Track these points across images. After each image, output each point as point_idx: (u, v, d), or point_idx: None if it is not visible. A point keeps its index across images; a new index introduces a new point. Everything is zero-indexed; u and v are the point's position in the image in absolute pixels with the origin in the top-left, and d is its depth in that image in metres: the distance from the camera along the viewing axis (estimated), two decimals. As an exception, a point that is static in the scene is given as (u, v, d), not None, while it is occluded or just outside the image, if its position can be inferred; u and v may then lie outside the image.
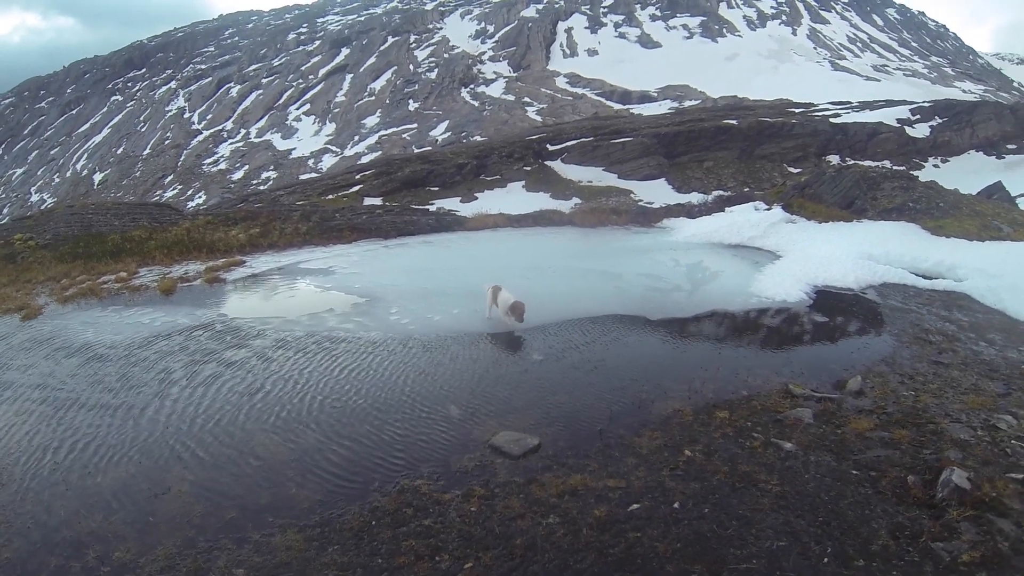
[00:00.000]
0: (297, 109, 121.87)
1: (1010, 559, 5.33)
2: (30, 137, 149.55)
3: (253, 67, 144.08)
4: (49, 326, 13.36)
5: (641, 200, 34.72)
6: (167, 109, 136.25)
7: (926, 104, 50.73)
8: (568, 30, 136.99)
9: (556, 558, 5.62)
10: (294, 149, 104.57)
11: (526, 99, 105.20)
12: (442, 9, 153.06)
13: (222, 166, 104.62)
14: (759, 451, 7.20)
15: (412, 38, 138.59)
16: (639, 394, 8.85)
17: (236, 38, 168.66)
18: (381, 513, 6.40)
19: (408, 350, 10.99)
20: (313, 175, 76.86)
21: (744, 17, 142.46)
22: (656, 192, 37.28)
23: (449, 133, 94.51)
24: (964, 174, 37.01)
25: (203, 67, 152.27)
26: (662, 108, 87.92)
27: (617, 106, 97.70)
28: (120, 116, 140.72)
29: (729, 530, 5.86)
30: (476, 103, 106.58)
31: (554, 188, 37.47)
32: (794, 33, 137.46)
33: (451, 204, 32.55)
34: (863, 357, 10.38)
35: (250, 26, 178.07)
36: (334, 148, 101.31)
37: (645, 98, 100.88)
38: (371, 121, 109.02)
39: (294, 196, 38.82)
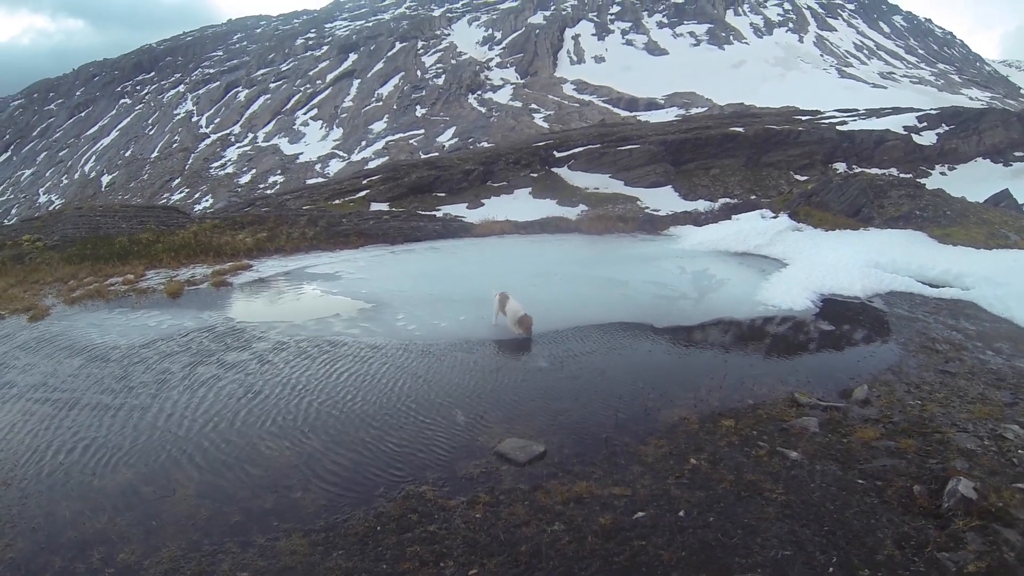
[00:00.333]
0: (305, 114, 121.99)
1: (1016, 569, 5.31)
2: (39, 139, 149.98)
3: (261, 72, 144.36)
4: (56, 327, 13.39)
5: (647, 207, 34.65)
6: (175, 112, 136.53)
7: (933, 111, 50.57)
8: (575, 37, 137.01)
9: (561, 565, 5.62)
10: (301, 154, 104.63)
11: (533, 105, 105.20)
12: (450, 15, 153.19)
13: (229, 170, 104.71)
14: (765, 460, 7.19)
15: (420, 44, 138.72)
16: (645, 402, 8.84)
17: (244, 43, 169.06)
18: (386, 519, 6.41)
19: (414, 356, 11.01)
20: (320, 180, 76.97)
21: (751, 24, 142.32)
22: (662, 199, 37.20)
23: (456, 139, 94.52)
24: (971, 182, 36.88)
25: (211, 71, 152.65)
26: (669, 115, 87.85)
27: (624, 113, 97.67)
28: (128, 119, 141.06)
29: (734, 539, 5.86)
30: (483, 109, 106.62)
31: (561, 195, 37.41)
32: (801, 40, 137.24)
33: (458, 210, 32.53)
34: (869, 366, 10.37)
35: (258, 31, 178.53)
36: (341, 153, 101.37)
37: (652, 105, 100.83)
38: (378, 126, 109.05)
39: (301, 201, 38.83)
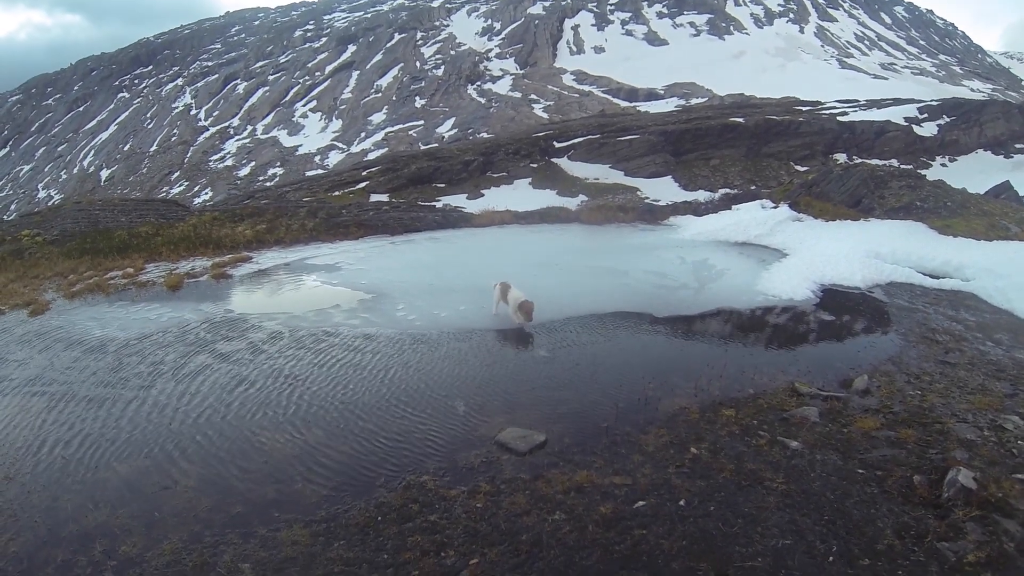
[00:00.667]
0: (304, 106, 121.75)
1: (1016, 559, 5.32)
2: (37, 134, 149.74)
3: (259, 64, 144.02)
4: (56, 321, 13.41)
5: (647, 198, 34.59)
6: (174, 106, 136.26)
7: (934, 103, 50.44)
8: (575, 27, 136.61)
9: (562, 554, 5.63)
10: (300, 146, 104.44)
11: (533, 96, 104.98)
12: (449, 6, 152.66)
13: (228, 162, 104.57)
14: (765, 449, 7.20)
15: (419, 35, 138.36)
16: (645, 391, 8.84)
17: (243, 35, 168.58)
18: (387, 509, 6.42)
19: (414, 346, 11.02)
20: (319, 171, 76.85)
21: (751, 15, 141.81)
22: (662, 190, 37.14)
23: (456, 130, 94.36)
24: (972, 173, 36.80)
25: (210, 64, 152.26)
26: (669, 106, 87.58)
27: (624, 103, 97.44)
28: (127, 113, 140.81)
29: (735, 528, 5.87)
30: (483, 100, 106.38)
31: (561, 185, 37.36)
32: (801, 31, 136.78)
33: (457, 201, 32.46)
34: (869, 356, 10.37)
35: (256, 23, 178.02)
36: (340, 145, 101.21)
37: (652, 96, 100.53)
38: (377, 118, 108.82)
39: (300, 192, 38.79)
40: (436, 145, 74.10)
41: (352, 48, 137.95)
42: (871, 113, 48.65)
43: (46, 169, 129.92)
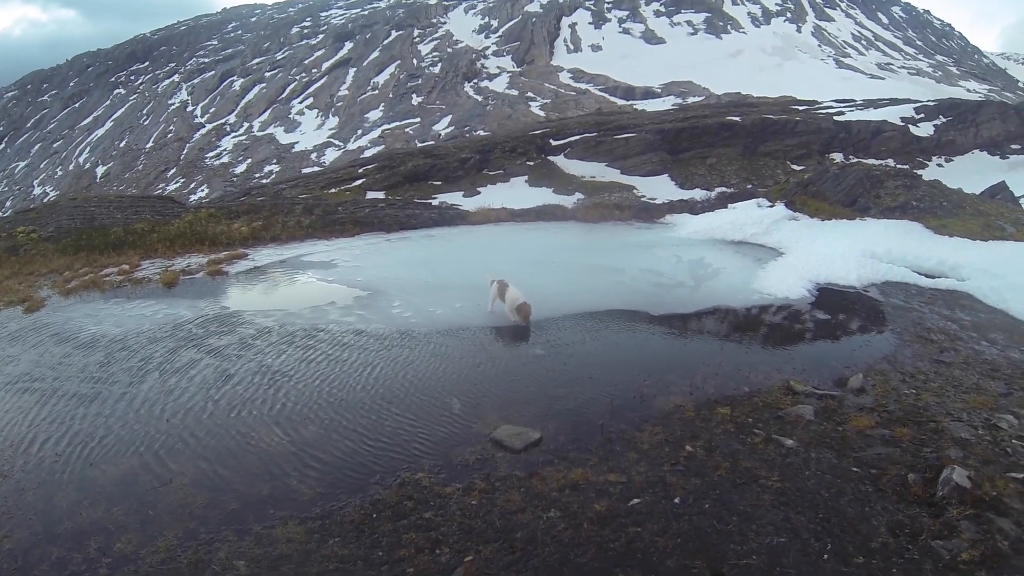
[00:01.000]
0: (300, 103, 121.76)
1: (1010, 558, 5.33)
2: (33, 130, 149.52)
3: (256, 61, 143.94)
4: (51, 318, 13.38)
5: (644, 196, 34.64)
6: (170, 102, 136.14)
7: (930, 103, 50.50)
8: (572, 25, 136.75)
9: (556, 552, 5.63)
10: (297, 143, 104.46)
11: (529, 94, 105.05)
12: (446, 3, 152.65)
13: (225, 159, 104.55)
14: (760, 447, 7.21)
15: (416, 32, 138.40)
16: (641, 389, 8.85)
17: (239, 32, 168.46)
18: (382, 506, 6.42)
19: (409, 343, 11.02)
20: (316, 169, 76.84)
21: (749, 14, 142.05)
22: (659, 188, 37.20)
23: (452, 127, 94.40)
24: (968, 173, 36.85)
25: (206, 60, 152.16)
26: (666, 104, 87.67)
27: (621, 102, 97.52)
28: (123, 109, 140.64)
29: (729, 526, 5.87)
30: (479, 98, 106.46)
31: (557, 183, 37.40)
32: (799, 30, 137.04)
33: (454, 198, 32.50)
34: (865, 355, 10.37)
35: (253, 20, 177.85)
36: (337, 142, 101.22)
37: (649, 94, 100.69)
38: (374, 115, 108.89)
39: (297, 190, 38.78)
40: (433, 143, 74.04)
41: (349, 45, 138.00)
42: (868, 113, 48.74)
43: (42, 166, 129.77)
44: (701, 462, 6.95)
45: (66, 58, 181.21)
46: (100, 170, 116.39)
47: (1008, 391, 8.65)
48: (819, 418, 7.89)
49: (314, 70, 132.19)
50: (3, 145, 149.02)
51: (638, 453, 7.17)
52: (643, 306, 12.86)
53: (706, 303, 13.28)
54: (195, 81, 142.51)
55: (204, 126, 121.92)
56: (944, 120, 46.28)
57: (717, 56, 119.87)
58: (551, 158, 42.08)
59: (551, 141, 44.30)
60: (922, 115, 46.97)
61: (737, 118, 46.07)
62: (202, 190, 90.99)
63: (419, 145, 73.51)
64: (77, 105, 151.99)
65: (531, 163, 40.95)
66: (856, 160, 38.18)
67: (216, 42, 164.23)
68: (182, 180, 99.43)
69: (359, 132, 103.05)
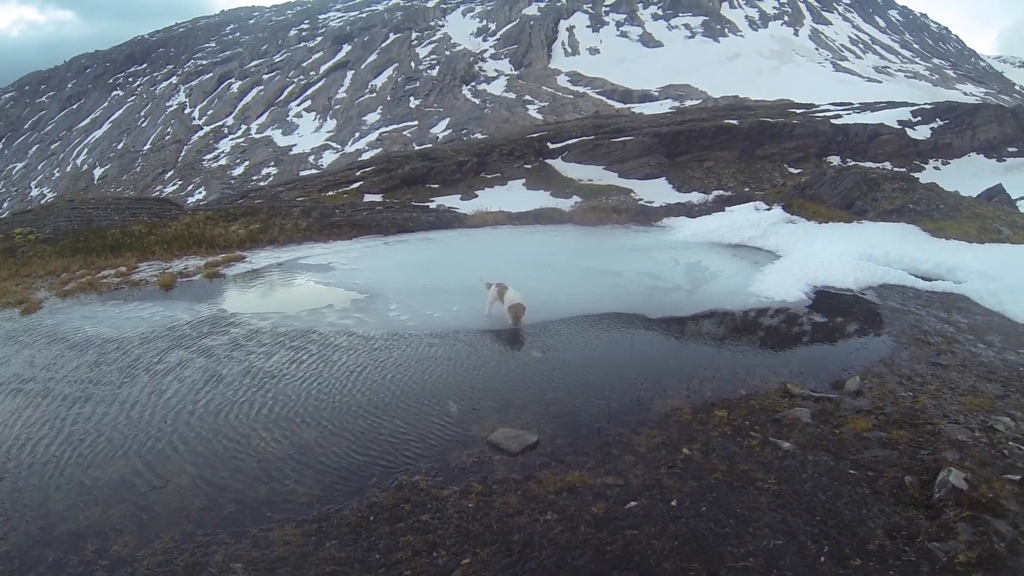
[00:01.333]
0: (298, 105, 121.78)
1: (1006, 560, 5.34)
2: (30, 132, 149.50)
3: (254, 63, 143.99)
4: (48, 320, 13.38)
5: (641, 199, 34.69)
6: (168, 104, 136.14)
7: (927, 106, 50.67)
8: (570, 28, 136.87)
9: (554, 555, 5.63)
10: (295, 145, 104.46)
11: (527, 97, 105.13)
12: (444, 6, 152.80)
13: (222, 162, 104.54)
14: (757, 450, 7.21)
15: (414, 35, 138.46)
16: (638, 392, 8.85)
17: (237, 34, 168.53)
18: (379, 509, 6.41)
19: (407, 346, 11.01)
20: (313, 171, 76.81)
21: (746, 17, 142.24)
22: (656, 191, 37.26)
23: (450, 130, 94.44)
24: (964, 176, 36.97)
25: (204, 63, 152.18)
26: (663, 107, 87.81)
27: (618, 105, 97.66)
28: (121, 111, 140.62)
29: (726, 528, 5.88)
30: (477, 101, 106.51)
31: (554, 186, 37.44)
32: (796, 34, 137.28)
33: (451, 201, 32.52)
34: (862, 358, 10.39)
35: (251, 22, 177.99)
36: (335, 145, 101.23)
37: (646, 97, 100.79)
38: (372, 118, 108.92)
39: (294, 192, 38.79)
40: (430, 146, 74.07)
41: (347, 48, 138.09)
42: (865, 116, 48.90)
43: (39, 167, 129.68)
44: (698, 465, 6.95)
45: (64, 59, 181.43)
46: (98, 172, 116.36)
47: (1005, 393, 8.67)
48: (816, 421, 7.89)
49: (312, 72, 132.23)
50: (0, 146, 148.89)
51: (635, 456, 7.17)
52: (640, 309, 12.86)
53: (703, 306, 13.28)
54: (193, 83, 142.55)
55: (202, 128, 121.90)
56: (941, 123, 46.43)
57: (714, 59, 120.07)
58: (549, 161, 42.13)
59: (549, 144, 44.36)
60: (919, 118, 47.13)
61: (734, 121, 46.16)
62: (199, 192, 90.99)
63: (417, 148, 73.59)
64: (75, 107, 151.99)
65: (528, 166, 41.00)
66: (853, 163, 38.21)
67: (214, 44, 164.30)
68: (180, 182, 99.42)
69: (357, 135, 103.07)
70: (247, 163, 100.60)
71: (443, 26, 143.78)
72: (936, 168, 42.19)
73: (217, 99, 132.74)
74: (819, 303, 13.68)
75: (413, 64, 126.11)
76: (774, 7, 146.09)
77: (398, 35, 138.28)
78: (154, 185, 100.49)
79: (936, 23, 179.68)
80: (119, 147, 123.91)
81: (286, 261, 18.13)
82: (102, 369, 10.47)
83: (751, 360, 10.36)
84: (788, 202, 23.45)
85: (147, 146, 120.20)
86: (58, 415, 8.86)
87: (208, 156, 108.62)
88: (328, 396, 9.07)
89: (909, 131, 44.98)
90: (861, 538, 5.70)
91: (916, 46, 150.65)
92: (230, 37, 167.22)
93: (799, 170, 40.81)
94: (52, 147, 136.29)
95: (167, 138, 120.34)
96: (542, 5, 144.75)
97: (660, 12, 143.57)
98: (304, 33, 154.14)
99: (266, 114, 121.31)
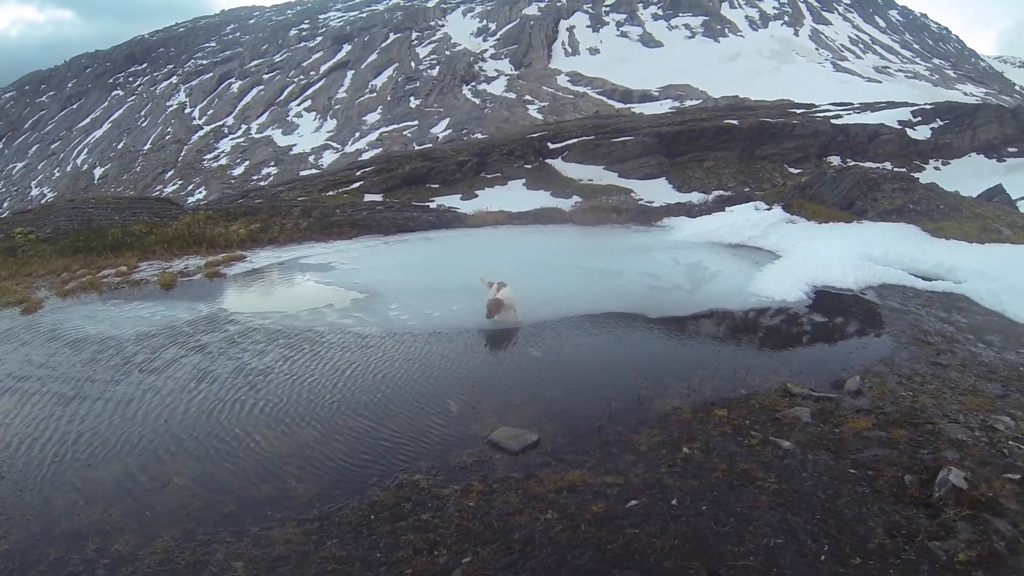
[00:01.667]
0: (298, 105, 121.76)
1: (1006, 558, 5.35)
2: (30, 131, 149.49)
3: (254, 63, 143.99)
4: (49, 320, 13.37)
5: (641, 199, 34.69)
6: (168, 104, 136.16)
7: (927, 106, 50.66)
8: (570, 29, 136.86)
9: (554, 553, 5.64)
10: (295, 145, 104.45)
11: (527, 97, 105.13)
12: (444, 6, 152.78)
13: (223, 161, 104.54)
14: (757, 449, 7.22)
15: (414, 35, 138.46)
16: (638, 392, 8.85)
17: (237, 34, 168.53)
18: (380, 507, 6.42)
19: (407, 346, 11.02)
20: (314, 171, 76.80)
21: (746, 17, 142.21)
22: (656, 191, 37.26)
23: (450, 130, 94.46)
24: (965, 176, 36.96)
25: (204, 62, 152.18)
26: (663, 107, 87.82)
27: (618, 105, 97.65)
28: (121, 111, 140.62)
29: (727, 527, 5.88)
30: (477, 101, 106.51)
31: (555, 186, 37.45)
32: (796, 34, 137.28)
33: (451, 201, 32.51)
34: (862, 357, 10.39)
35: (252, 22, 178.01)
36: (335, 144, 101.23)
37: (646, 97, 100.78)
38: (372, 118, 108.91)
39: (294, 192, 38.79)
40: (430, 145, 74.08)
41: (347, 48, 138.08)
42: (865, 116, 48.89)
43: (39, 167, 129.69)
44: (698, 464, 6.96)
45: (64, 59, 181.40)
46: (98, 171, 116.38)
47: (1005, 393, 8.68)
48: (816, 420, 7.90)
49: (312, 72, 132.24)
50: (1, 146, 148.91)
51: (635, 455, 7.18)
52: (641, 309, 12.86)
53: (703, 306, 13.28)
54: (193, 83, 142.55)
55: (202, 128, 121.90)
56: (941, 123, 46.43)
57: (715, 59, 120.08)
58: (549, 161, 42.13)
59: (549, 144, 44.36)
60: (919, 118, 47.13)
61: (735, 121, 46.17)
62: (200, 192, 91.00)
63: (417, 148, 73.59)
64: (75, 106, 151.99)
65: (529, 166, 41.00)
66: (853, 163, 38.20)
67: (214, 44, 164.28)
68: (180, 182, 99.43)
69: (357, 135, 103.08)
70: (247, 163, 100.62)
71: (443, 26, 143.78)
72: (936, 168, 42.18)
73: (217, 99, 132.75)
74: (819, 303, 13.68)
75: (413, 64, 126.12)
76: (774, 7, 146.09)
77: (398, 35, 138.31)
78: (154, 185, 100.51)
79: (936, 23, 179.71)
80: (119, 147, 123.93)
81: (286, 260, 18.14)
82: (102, 368, 10.47)
83: (751, 360, 10.36)
84: (788, 202, 23.45)
85: (147, 146, 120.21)
86: (58, 414, 8.87)
87: (208, 156, 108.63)
88: (328, 395, 9.08)
89: (909, 131, 44.98)
90: (861, 537, 5.71)
91: (916, 46, 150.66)
92: (230, 37, 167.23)
93: (799, 170, 40.81)
94: (52, 147, 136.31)
95: (167, 138, 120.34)
96: (542, 5, 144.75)
97: (660, 12, 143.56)
98: (304, 33, 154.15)
99: (266, 114, 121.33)
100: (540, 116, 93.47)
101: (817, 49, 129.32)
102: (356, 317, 12.60)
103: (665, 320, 12.35)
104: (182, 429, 8.25)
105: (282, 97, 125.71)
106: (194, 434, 8.11)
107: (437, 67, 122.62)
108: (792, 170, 41.40)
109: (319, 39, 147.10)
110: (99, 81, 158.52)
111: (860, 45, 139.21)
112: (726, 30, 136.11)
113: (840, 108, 55.41)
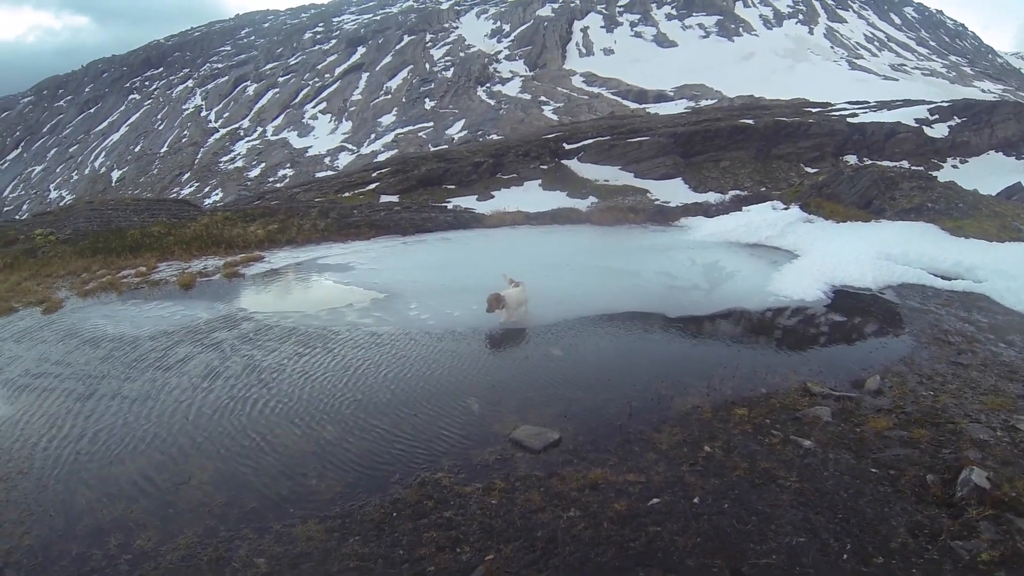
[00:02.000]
0: (313, 107, 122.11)
1: (1030, 557, 5.33)
2: (49, 135, 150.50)
3: (269, 66, 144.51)
4: (69, 319, 13.48)
5: (657, 199, 34.62)
6: (184, 107, 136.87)
7: (944, 104, 50.27)
8: (584, 29, 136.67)
9: (577, 551, 5.65)
10: (310, 147, 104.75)
11: (542, 98, 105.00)
12: (458, 8, 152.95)
13: (239, 164, 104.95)
14: (778, 448, 7.22)
15: (428, 37, 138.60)
16: (658, 390, 8.87)
17: (252, 37, 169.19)
18: (402, 505, 6.46)
19: (427, 345, 11.07)
20: (329, 173, 77.05)
21: (760, 16, 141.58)
22: (672, 191, 37.19)
23: (465, 132, 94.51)
24: (983, 175, 36.67)
25: (220, 66, 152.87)
26: (678, 107, 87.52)
27: (633, 105, 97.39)
28: (138, 114, 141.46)
29: (749, 525, 5.89)
30: (492, 102, 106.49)
31: (571, 187, 37.43)
32: (811, 32, 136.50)
33: (467, 202, 32.54)
34: (881, 357, 10.36)
35: (266, 25, 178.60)
36: (350, 146, 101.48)
37: (661, 97, 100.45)
38: (387, 119, 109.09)
39: (310, 194, 38.92)
40: (446, 147, 74.19)
41: (361, 50, 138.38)
42: (881, 114, 48.57)
43: (58, 170, 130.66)
44: (719, 462, 6.96)
45: (81, 64, 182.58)
46: (115, 174, 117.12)
47: (1027, 392, 8.64)
48: (836, 419, 7.89)
49: (327, 75, 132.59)
50: (20, 150, 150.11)
51: (657, 453, 7.19)
52: (659, 308, 12.86)
53: (722, 305, 13.27)
54: (209, 86, 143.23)
55: (218, 131, 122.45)
56: (958, 121, 46.07)
57: (729, 59, 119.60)
58: (564, 162, 42.10)
59: (564, 145, 44.32)
60: (936, 116, 46.78)
61: (750, 121, 46.01)
62: (216, 194, 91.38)
63: (432, 149, 73.71)
64: (92, 110, 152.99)
65: (544, 167, 40.98)
66: (870, 162, 38.01)
67: (230, 48, 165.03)
68: (196, 184, 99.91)
69: (372, 136, 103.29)
70: (263, 165, 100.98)
71: (457, 28, 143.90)
72: (954, 166, 41.89)
73: (233, 102, 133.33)
74: (838, 302, 13.65)
75: (428, 66, 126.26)
76: (788, 6, 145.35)
77: (412, 37, 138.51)
78: (171, 187, 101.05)
79: (952, 20, 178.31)
80: (136, 150, 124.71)
81: (305, 261, 18.21)
82: (123, 366, 10.55)
83: (771, 359, 10.36)
84: (805, 201, 23.37)
85: (164, 149, 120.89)
86: (79, 411, 8.97)
87: (224, 158, 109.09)
88: (349, 394, 9.12)
89: (926, 129, 44.67)
90: (883, 536, 5.70)
91: (932, 43, 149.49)
92: (245, 40, 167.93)
93: (815, 169, 40.62)
94: (70, 150, 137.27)
95: (183, 140, 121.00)
96: (556, 6, 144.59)
97: (674, 12, 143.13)
98: (319, 36, 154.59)
99: (281, 116, 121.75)
100: (555, 117, 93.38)
101: (832, 47, 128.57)
102: (376, 317, 12.65)
103: (684, 319, 12.35)
104: (203, 426, 8.32)
105: (297, 100, 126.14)
106: (215, 431, 8.18)
107: (451, 69, 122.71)
108: (808, 169, 41.22)
109: (333, 42, 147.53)
110: (116, 85, 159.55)
111: (875, 43, 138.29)
112: (740, 29, 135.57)
113: (856, 106, 55.11)
